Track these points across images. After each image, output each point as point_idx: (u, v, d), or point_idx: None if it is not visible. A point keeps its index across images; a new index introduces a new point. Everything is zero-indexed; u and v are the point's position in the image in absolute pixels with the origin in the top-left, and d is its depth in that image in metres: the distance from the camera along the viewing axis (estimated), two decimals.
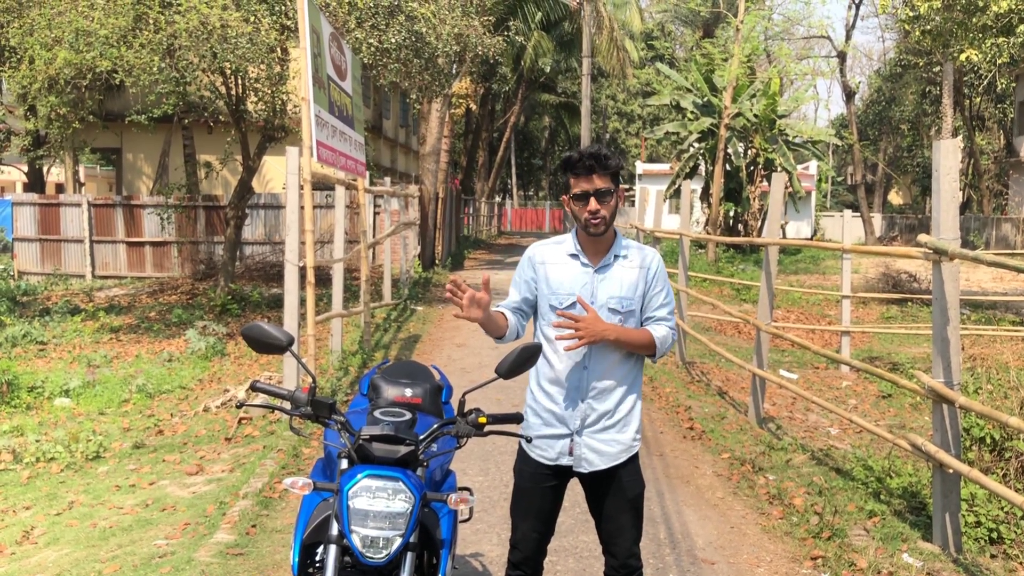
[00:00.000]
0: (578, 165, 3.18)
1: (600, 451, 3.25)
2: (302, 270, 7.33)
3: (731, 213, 27.79)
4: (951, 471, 4.77)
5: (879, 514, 5.30)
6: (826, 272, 24.20)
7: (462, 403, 3.00)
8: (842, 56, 35.36)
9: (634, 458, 3.34)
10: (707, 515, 5.44)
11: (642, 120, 50.21)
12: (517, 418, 3.02)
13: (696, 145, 28.36)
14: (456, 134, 32.53)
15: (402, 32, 13.04)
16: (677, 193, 35.51)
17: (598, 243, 3.28)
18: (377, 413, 2.96)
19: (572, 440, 3.25)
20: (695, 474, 6.29)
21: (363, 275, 10.36)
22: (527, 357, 2.98)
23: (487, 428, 2.93)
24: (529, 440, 3.20)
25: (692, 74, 28.14)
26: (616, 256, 3.30)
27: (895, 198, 56.35)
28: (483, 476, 6.08)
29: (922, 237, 4.91)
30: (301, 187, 7.39)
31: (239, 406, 3.10)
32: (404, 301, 15.02)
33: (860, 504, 5.46)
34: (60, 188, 31.15)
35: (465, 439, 2.93)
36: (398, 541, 2.61)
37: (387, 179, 17.16)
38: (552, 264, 3.33)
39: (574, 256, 3.31)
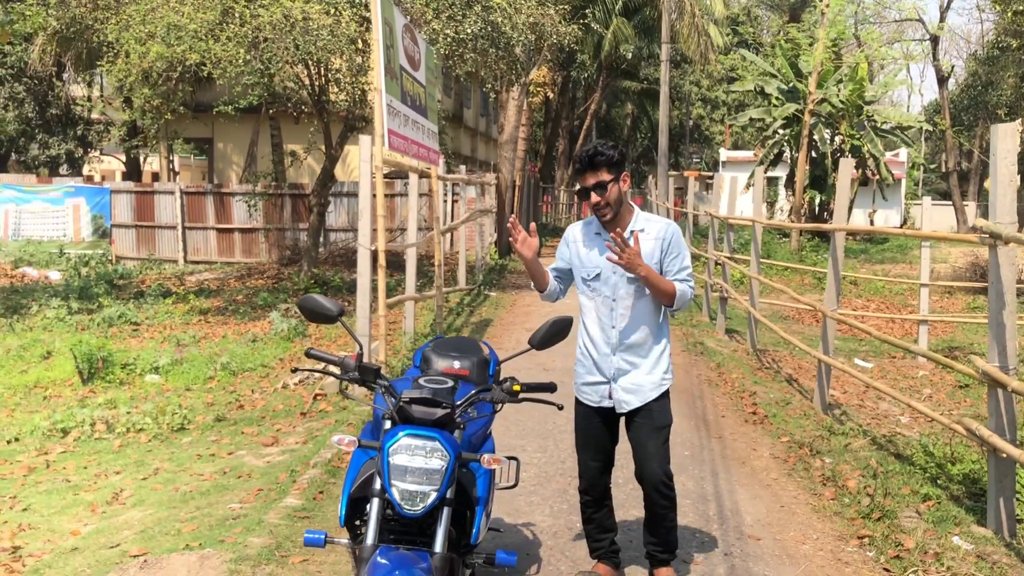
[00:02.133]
0: (579, 164, 3.83)
1: (634, 392, 3.90)
2: (374, 254, 7.61)
3: (816, 201, 27.26)
4: (1005, 456, 4.76)
5: (934, 498, 5.30)
6: (913, 262, 23.56)
7: (498, 372, 3.21)
8: (935, 40, 34.26)
9: (664, 395, 3.97)
10: (758, 494, 5.53)
11: (727, 107, 49.43)
12: (551, 387, 3.22)
13: (780, 132, 27.87)
14: (535, 122, 32.69)
15: (478, 22, 13.25)
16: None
17: (615, 224, 3.85)
18: (422, 380, 3.20)
19: (610, 387, 3.93)
20: (751, 456, 6.36)
21: (436, 260, 10.64)
22: (558, 330, 3.19)
23: (521, 396, 3.13)
24: (560, 407, 3.45)
25: (777, 59, 27.66)
26: (634, 231, 3.84)
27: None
28: (541, 453, 6.27)
29: (978, 221, 4.89)
30: (373, 174, 7.67)
31: (294, 371, 3.34)
32: (478, 286, 15.30)
33: (915, 488, 5.47)
34: (156, 177, 32.45)
35: (500, 404, 3.14)
36: (433, 495, 2.82)
37: (463, 167, 17.45)
38: (582, 242, 3.99)
39: (598, 234, 3.93)
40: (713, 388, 8.58)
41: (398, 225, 18.56)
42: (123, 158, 27.01)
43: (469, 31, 13.22)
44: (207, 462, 6.44)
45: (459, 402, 3.05)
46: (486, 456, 2.97)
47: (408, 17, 11.83)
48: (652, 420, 3.90)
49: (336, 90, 14.01)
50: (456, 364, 3.75)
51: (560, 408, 3.43)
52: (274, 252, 20.25)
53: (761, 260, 15.30)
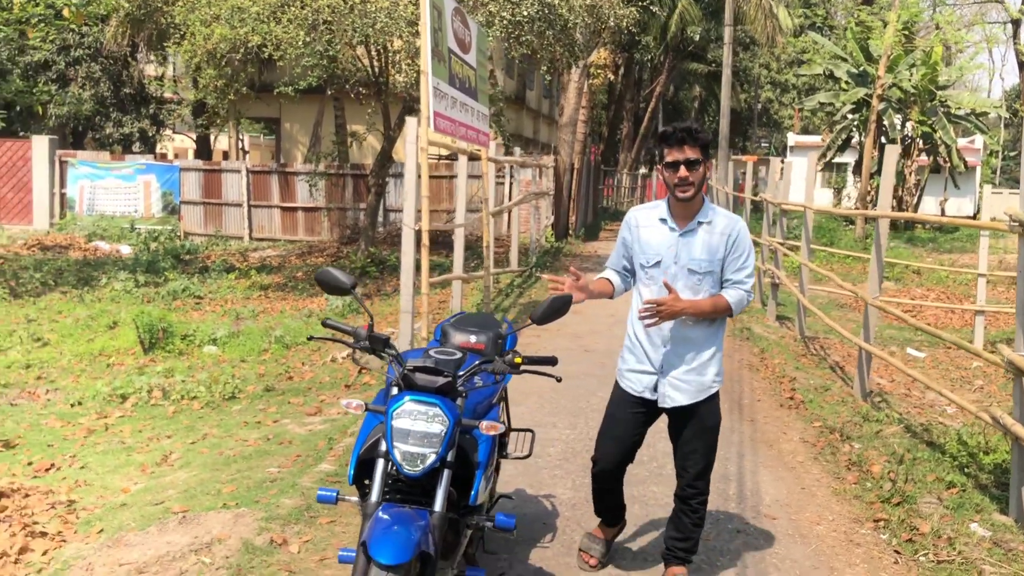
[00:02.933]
0: (672, 137, 3.67)
1: (682, 389, 3.80)
2: (418, 234, 7.81)
3: None
4: None
5: (959, 486, 5.31)
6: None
7: (501, 345, 3.36)
8: (1016, 23, 33.13)
9: (713, 396, 3.88)
10: (781, 476, 5.60)
11: (797, 90, 48.52)
12: (552, 361, 3.36)
13: (849, 117, 27.36)
14: (597, 105, 32.58)
15: (535, 4, 13.33)
16: (830, 166, 34.34)
17: (686, 208, 3.75)
18: (432, 352, 3.38)
19: (657, 379, 3.82)
20: (781, 439, 6.42)
21: (484, 241, 10.81)
22: (557, 307, 3.32)
23: (522, 368, 3.28)
24: (559, 380, 3.56)
25: (848, 42, 27.13)
26: (700, 222, 3.75)
27: None
28: (571, 430, 6.42)
29: (1008, 208, 4.87)
30: (419, 156, 7.85)
31: (310, 339, 3.54)
32: (530, 268, 15.45)
33: (941, 476, 5.47)
34: (227, 156, 33.25)
35: (501, 376, 3.29)
36: (432, 457, 3.00)
37: (517, 150, 17.56)
38: (645, 227, 3.85)
39: (663, 220, 3.80)
40: (753, 373, 8.61)
41: (457, 206, 18.78)
42: (194, 136, 27.75)
43: (526, 13, 13.30)
44: (252, 429, 6.74)
45: (461, 372, 3.22)
46: (485, 423, 3.14)
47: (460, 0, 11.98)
48: (700, 420, 3.84)
49: (394, 71, 14.24)
50: (472, 338, 3.92)
51: (559, 380, 3.57)
52: (335, 231, 20.68)
53: (823, 248, 15.20)
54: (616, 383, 3.99)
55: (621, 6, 14.89)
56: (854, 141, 27.96)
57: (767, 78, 50.12)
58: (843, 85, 26.73)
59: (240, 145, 38.16)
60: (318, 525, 4.58)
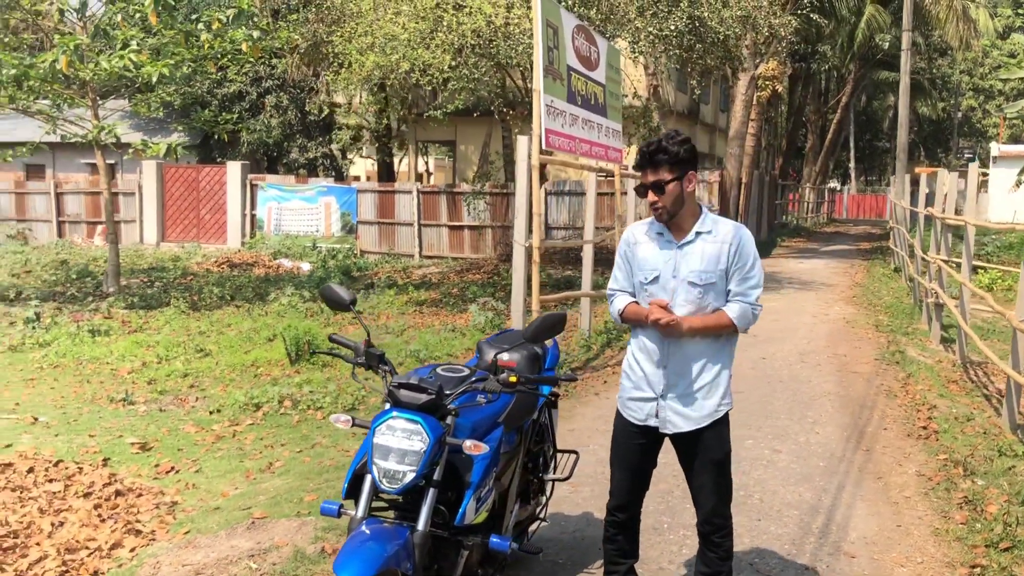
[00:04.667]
0: (640, 159, 3.52)
1: (684, 415, 3.54)
2: (528, 250, 7.84)
3: None
4: None
5: None
6: None
7: (494, 363, 3.31)
8: None
9: (719, 423, 3.57)
10: (879, 511, 5.17)
11: (1004, 96, 44.97)
12: (552, 381, 3.27)
13: None
14: (772, 118, 31.48)
15: (683, 18, 13.11)
16: None
17: (682, 220, 3.56)
18: (440, 369, 3.38)
19: (657, 404, 3.57)
20: (893, 471, 5.94)
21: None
22: (550, 325, 3.24)
23: (518, 387, 3.21)
24: (555, 397, 3.45)
25: None
26: (699, 232, 3.55)
27: None
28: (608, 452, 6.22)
29: None
30: (531, 172, 7.89)
31: (313, 353, 3.65)
32: None
33: None
34: (394, 177, 34.56)
35: (493, 394, 3.23)
36: (411, 476, 2.99)
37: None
38: (641, 244, 3.67)
39: (661, 234, 3.62)
40: (889, 399, 8.02)
41: (585, 222, 18.68)
42: (375, 159, 29.15)
43: (673, 27, 13.11)
44: (358, 440, 6.96)
45: (449, 390, 3.20)
46: (468, 442, 3.10)
47: (604, 17, 11.95)
48: (706, 452, 3.55)
49: None
50: (505, 356, 3.88)
51: (555, 398, 3.48)
52: (497, 248, 21.08)
53: (1007, 268, 13.94)
54: (617, 412, 3.76)
55: (777, 15, 14.36)
56: None
57: (969, 84, 46.74)
58: None
59: (425, 167, 39.67)
60: None
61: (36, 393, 8.87)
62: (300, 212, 23.64)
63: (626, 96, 19.84)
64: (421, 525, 3.03)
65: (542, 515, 4.40)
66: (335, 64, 13.91)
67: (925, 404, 7.75)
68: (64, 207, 25.49)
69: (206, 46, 13.98)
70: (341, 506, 3.29)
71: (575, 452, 4.25)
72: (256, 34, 13.91)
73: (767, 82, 21.47)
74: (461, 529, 3.25)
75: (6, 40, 14.17)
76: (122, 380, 9.40)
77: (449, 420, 3.17)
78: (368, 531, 2.94)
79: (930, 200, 14.64)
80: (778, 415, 7.43)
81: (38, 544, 4.98)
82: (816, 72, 33.97)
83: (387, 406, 3.23)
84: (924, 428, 7.04)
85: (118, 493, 5.86)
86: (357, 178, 34.57)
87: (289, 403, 8.39)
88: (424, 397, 3.09)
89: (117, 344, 11.02)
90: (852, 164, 51.82)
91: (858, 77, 35.15)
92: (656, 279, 3.57)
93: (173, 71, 13.56)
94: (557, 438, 6.62)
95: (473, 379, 3.28)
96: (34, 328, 11.86)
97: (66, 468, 6.39)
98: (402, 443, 3.01)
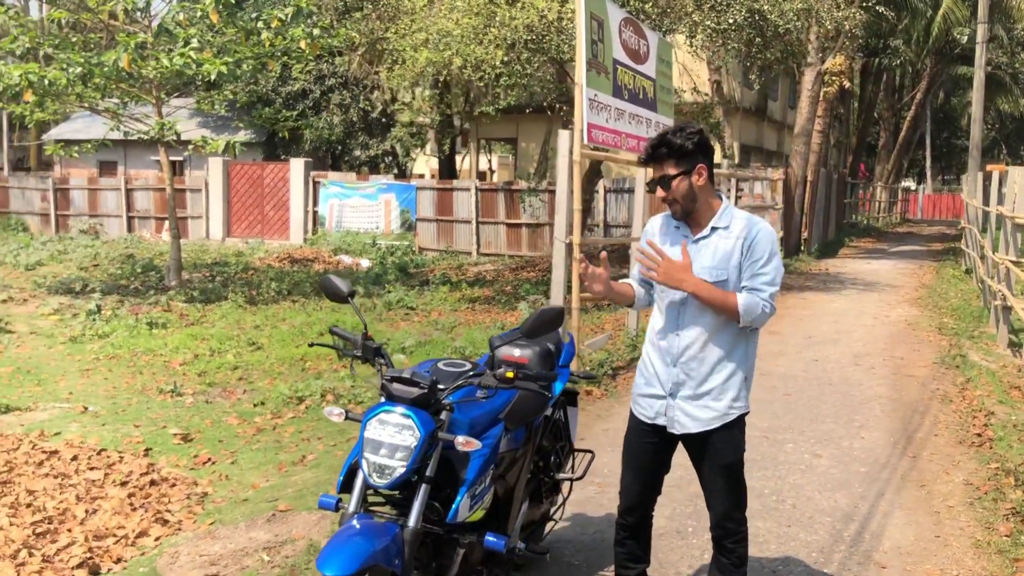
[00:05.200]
0: (646, 155, 3.41)
1: (692, 415, 3.41)
2: (568, 246, 7.73)
3: None
4: None
5: None
6: None
7: (492, 357, 3.23)
8: None
9: (730, 425, 3.42)
10: (917, 521, 4.95)
11: None
12: (550, 377, 3.18)
13: None
14: (836, 115, 30.70)
15: (742, 11, 12.84)
16: None
17: (699, 215, 3.44)
18: (441, 364, 3.32)
19: (666, 402, 3.45)
20: (939, 479, 5.68)
21: None
22: (547, 319, 3.15)
23: (516, 383, 3.13)
24: (550, 396, 3.35)
25: None
26: (715, 227, 3.42)
27: None
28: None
29: None
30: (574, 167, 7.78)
31: (311, 345, 3.62)
32: None
33: None
34: (482, 176, 34.63)
35: (489, 389, 3.14)
36: (400, 470, 2.94)
37: (723, 162, 16.91)
38: (658, 236, 3.57)
39: (677, 227, 3.51)
40: (944, 404, 7.71)
41: (633, 219, 18.43)
42: (437, 156, 29.28)
43: (732, 21, 12.84)
44: None
45: (443, 385, 3.14)
46: (460, 438, 3.02)
47: (661, 11, 11.75)
48: (716, 455, 3.43)
49: None
50: (516, 352, 3.82)
51: (550, 397, 3.38)
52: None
53: None
54: (630, 410, 3.64)
55: (841, 8, 13.95)
56: None
57: None
58: None
59: (488, 164, 39.73)
60: None
61: (90, 383, 9.08)
62: (361, 209, 23.87)
63: (685, 92, 19.56)
64: (412, 521, 2.97)
65: (556, 516, 4.31)
66: (390, 61, 13.98)
67: (982, 410, 7.43)
68: (134, 203, 26.18)
69: (267, 44, 14.20)
70: (339, 500, 3.25)
71: (590, 451, 4.15)
72: (316, 32, 14.08)
73: (834, 77, 20.93)
74: (456, 527, 3.18)
75: (74, 40, 14.57)
76: (173, 372, 9.57)
77: (444, 415, 3.10)
78: (357, 526, 2.90)
79: (1002, 199, 14.09)
80: (824, 418, 7.20)
81: (69, 530, 5.07)
82: (889, 67, 33.01)
83: (382, 399, 3.18)
84: (979, 435, 6.74)
85: (152, 483, 5.94)
86: (421, 175, 34.82)
87: (332, 397, 8.43)
88: (416, 391, 3.04)
89: (172, 337, 11.23)
90: (928, 163, 50.33)
91: (934, 72, 34.09)
92: None
93: (233, 68, 13.78)
94: (586, 437, 6.54)
95: (470, 374, 3.21)
96: (94, 320, 12.17)
97: (108, 457, 6.51)
98: (393, 437, 2.96)
